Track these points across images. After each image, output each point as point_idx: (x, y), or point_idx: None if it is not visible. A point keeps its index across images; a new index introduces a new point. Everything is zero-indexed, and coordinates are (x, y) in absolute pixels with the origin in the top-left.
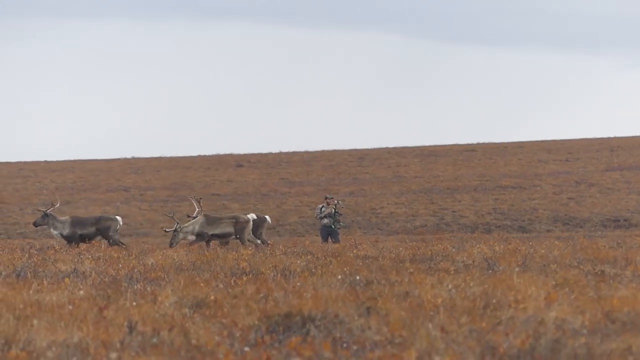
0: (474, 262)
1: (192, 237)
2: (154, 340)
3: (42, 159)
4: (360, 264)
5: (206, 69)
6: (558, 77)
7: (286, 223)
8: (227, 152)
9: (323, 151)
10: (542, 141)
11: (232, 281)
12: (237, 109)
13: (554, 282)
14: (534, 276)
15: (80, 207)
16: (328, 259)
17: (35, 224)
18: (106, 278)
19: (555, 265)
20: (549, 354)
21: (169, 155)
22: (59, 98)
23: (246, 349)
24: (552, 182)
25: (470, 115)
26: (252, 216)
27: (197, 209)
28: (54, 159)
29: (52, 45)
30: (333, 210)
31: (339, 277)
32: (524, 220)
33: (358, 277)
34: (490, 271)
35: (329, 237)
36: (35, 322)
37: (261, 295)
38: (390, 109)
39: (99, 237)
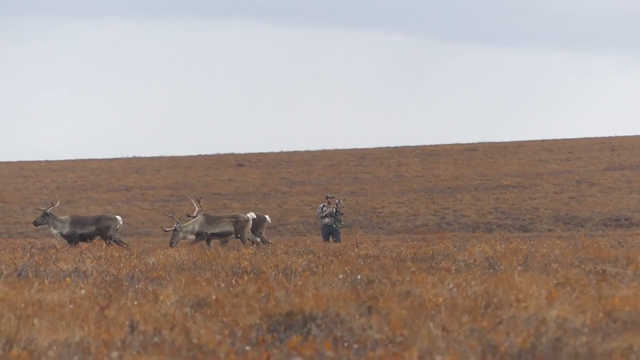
0: (475, 261)
1: (192, 237)
2: (155, 339)
3: (43, 159)
4: (362, 263)
5: (206, 68)
6: (558, 76)
7: (287, 222)
8: (228, 151)
9: (324, 151)
10: (543, 140)
11: (233, 280)
12: (238, 109)
13: (555, 281)
14: (535, 275)
15: (81, 206)
16: (329, 258)
17: (36, 223)
18: (107, 277)
19: (557, 264)
20: (550, 353)
21: (169, 154)
22: (59, 98)
23: (247, 348)
24: (553, 182)
25: (471, 115)
26: (251, 215)
27: (197, 209)
28: (55, 159)
29: (52, 45)
30: (334, 209)
31: (340, 276)
32: (525, 220)
33: (359, 276)
34: (491, 270)
35: (330, 237)
36: (36, 321)
37: (262, 294)
38: (390, 108)
39: (99, 237)
